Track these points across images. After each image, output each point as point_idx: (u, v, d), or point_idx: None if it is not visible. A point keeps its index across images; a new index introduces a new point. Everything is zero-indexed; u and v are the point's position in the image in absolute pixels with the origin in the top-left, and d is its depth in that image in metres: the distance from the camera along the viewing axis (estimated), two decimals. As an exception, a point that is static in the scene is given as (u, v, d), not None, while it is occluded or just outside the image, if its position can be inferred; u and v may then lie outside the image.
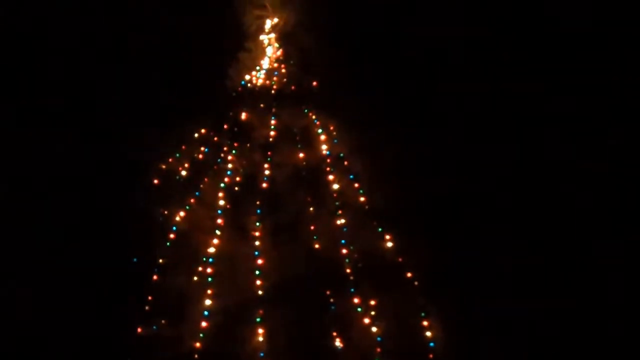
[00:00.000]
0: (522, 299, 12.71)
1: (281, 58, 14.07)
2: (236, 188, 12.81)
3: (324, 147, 13.09)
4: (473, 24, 14.16)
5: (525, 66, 13.98)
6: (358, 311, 11.88)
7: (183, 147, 13.36)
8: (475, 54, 14.18)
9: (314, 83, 13.67)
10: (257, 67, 14.02)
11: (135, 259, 12.65)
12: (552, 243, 13.09)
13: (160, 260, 12.47)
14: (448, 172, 13.65)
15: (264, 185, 12.71)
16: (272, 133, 13.18)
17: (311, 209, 12.53)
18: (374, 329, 11.81)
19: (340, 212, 12.52)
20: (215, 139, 13.43)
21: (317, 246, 12.23)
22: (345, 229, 12.41)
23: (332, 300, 11.96)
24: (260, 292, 11.82)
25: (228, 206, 12.63)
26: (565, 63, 13.89)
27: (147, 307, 12.21)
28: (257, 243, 12.20)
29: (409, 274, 12.25)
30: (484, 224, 13.18)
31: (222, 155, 13.23)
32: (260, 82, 13.90)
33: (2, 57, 14.41)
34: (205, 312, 11.73)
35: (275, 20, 13.84)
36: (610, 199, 13.39)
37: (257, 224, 12.35)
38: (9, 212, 13.56)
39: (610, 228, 13.19)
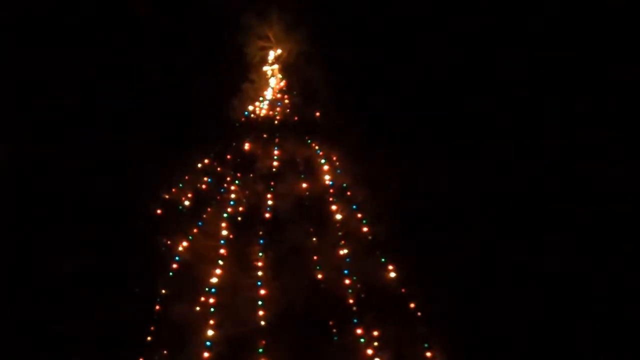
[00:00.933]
0: (527, 330, 12.68)
1: (284, 89, 14.13)
2: (239, 218, 12.80)
3: (327, 177, 13.10)
4: (475, 54, 14.26)
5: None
6: (361, 342, 11.82)
7: (186, 177, 13.36)
8: (477, 83, 14.25)
9: (317, 114, 13.71)
10: (261, 98, 14.07)
11: (137, 289, 12.63)
12: (557, 271, 13.06)
13: (163, 291, 12.44)
14: (452, 202, 13.67)
15: (267, 215, 12.70)
16: (275, 163, 13.19)
17: (314, 239, 12.50)
18: (377, 360, 11.77)
19: (343, 242, 12.50)
20: (219, 169, 13.44)
21: (320, 276, 12.19)
22: (348, 260, 12.38)
23: (335, 330, 11.91)
24: (262, 323, 11.77)
25: (231, 236, 12.60)
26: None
27: (148, 338, 12.17)
28: (259, 273, 12.16)
29: (412, 305, 12.21)
30: (488, 254, 13.16)
31: (225, 185, 13.24)
32: (263, 112, 13.95)
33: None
34: (208, 343, 11.67)
35: (279, 51, 13.92)
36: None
37: (260, 254, 12.32)
38: (9, 240, 13.57)
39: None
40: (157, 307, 12.32)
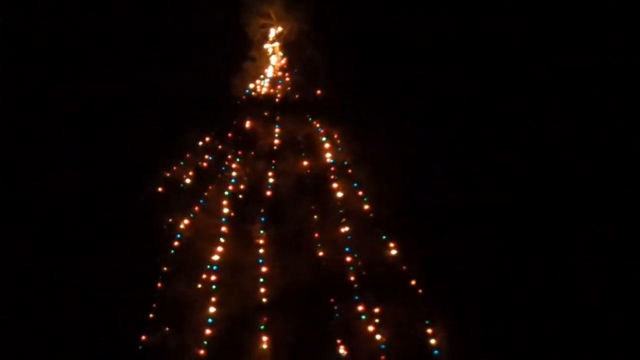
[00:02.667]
0: (527, 307, 12.72)
1: (285, 67, 14.08)
2: (240, 196, 12.81)
3: (328, 155, 13.10)
4: (477, 29, 14.19)
5: (533, 73, 14.01)
6: (362, 319, 11.88)
7: (187, 155, 13.36)
8: (479, 60, 14.21)
9: (318, 91, 13.69)
10: (261, 76, 14.02)
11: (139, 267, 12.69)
12: (556, 248, 13.09)
13: (165, 268, 12.48)
14: (453, 179, 13.67)
15: (268, 193, 12.71)
16: (276, 141, 13.19)
17: (315, 217, 12.54)
18: (378, 337, 11.81)
19: (344, 220, 12.52)
20: (220, 147, 13.43)
21: (321, 254, 12.23)
22: (349, 237, 12.41)
23: (336, 307, 11.96)
24: (264, 300, 11.83)
25: (232, 214, 12.62)
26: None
27: (151, 315, 12.23)
28: (261, 251, 12.21)
29: (412, 282, 12.25)
30: (489, 232, 13.18)
31: (226, 163, 13.24)
32: (264, 90, 13.92)
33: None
34: (210, 320, 11.73)
35: (280, 29, 13.86)
36: (609, 200, 13.38)
37: (261, 231, 12.35)
38: (11, 218, 13.58)
39: (610, 229, 13.18)
40: (159, 285, 12.37)
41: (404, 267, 12.33)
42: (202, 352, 11.65)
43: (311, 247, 12.27)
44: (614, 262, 13.02)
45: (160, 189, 13.02)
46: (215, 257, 12.22)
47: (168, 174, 13.15)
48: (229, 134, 13.47)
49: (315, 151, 13.14)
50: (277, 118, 13.45)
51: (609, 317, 12.69)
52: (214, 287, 12.00)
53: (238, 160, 13.17)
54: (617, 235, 13.14)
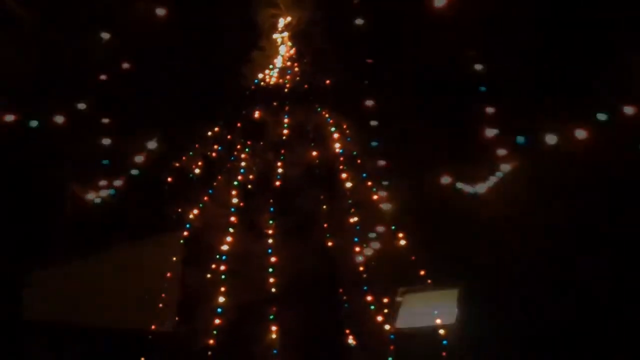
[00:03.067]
0: (537, 296, 12.71)
1: (294, 57, 14.05)
2: (249, 186, 12.82)
3: (337, 145, 13.08)
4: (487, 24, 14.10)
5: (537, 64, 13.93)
6: (371, 309, 11.88)
7: (196, 145, 13.37)
8: (491, 51, 14.13)
9: (327, 81, 13.66)
10: (271, 66, 14.00)
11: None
12: (566, 243, 13.06)
13: (174, 258, 12.51)
14: (461, 170, 13.63)
15: (277, 183, 12.72)
16: (285, 131, 13.17)
17: (324, 207, 12.54)
18: (387, 327, 11.82)
19: (353, 210, 12.52)
20: (229, 137, 13.44)
21: (330, 244, 12.24)
22: (358, 227, 12.41)
23: (345, 298, 11.97)
24: (273, 290, 11.83)
25: (241, 204, 12.63)
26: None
27: (160, 304, 12.27)
28: (270, 241, 12.21)
29: (422, 272, 12.24)
30: (499, 221, 13.15)
31: (235, 153, 13.25)
32: (273, 80, 13.90)
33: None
34: (219, 310, 11.76)
35: (289, 19, 13.84)
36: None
37: (271, 222, 12.35)
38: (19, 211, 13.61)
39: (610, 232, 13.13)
40: (169, 274, 12.41)
41: (413, 258, 12.31)
42: (211, 341, 11.68)
43: (320, 237, 12.27)
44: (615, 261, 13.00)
45: (169, 179, 13.06)
46: (225, 247, 12.22)
47: (177, 164, 13.17)
48: (238, 124, 13.47)
49: (324, 141, 13.12)
50: (286, 108, 13.44)
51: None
52: (223, 277, 12.01)
53: (247, 150, 13.18)
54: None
